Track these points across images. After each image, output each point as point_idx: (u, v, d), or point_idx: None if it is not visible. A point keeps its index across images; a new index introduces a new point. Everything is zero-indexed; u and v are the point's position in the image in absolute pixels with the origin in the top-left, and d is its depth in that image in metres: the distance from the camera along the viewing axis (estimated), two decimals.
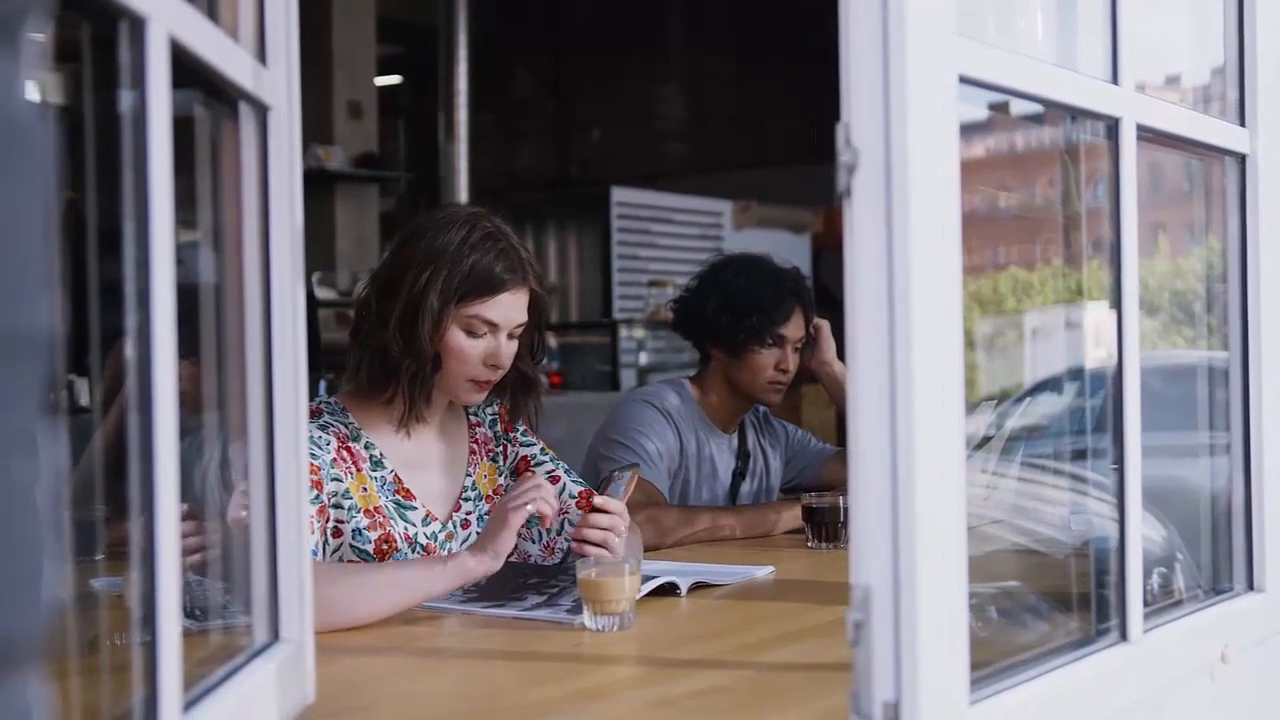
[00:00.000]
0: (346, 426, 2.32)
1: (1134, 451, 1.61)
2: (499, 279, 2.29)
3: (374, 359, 2.31)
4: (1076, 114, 1.66)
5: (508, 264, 2.30)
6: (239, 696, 1.28)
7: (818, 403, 6.82)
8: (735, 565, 2.50)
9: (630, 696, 1.69)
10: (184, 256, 1.15)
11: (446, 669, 1.84)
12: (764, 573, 2.49)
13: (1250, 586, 1.91)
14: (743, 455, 3.30)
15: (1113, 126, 1.60)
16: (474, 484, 2.47)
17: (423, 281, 2.26)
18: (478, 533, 2.41)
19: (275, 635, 1.45)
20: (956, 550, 1.28)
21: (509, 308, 2.31)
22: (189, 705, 1.15)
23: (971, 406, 1.36)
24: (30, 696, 0.64)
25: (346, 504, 2.25)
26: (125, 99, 1.06)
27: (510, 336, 2.33)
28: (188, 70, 1.16)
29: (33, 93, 0.65)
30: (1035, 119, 1.80)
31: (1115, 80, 1.60)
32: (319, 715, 1.52)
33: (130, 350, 1.06)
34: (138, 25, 1.04)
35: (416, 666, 1.86)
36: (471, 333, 2.29)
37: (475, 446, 2.50)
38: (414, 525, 2.34)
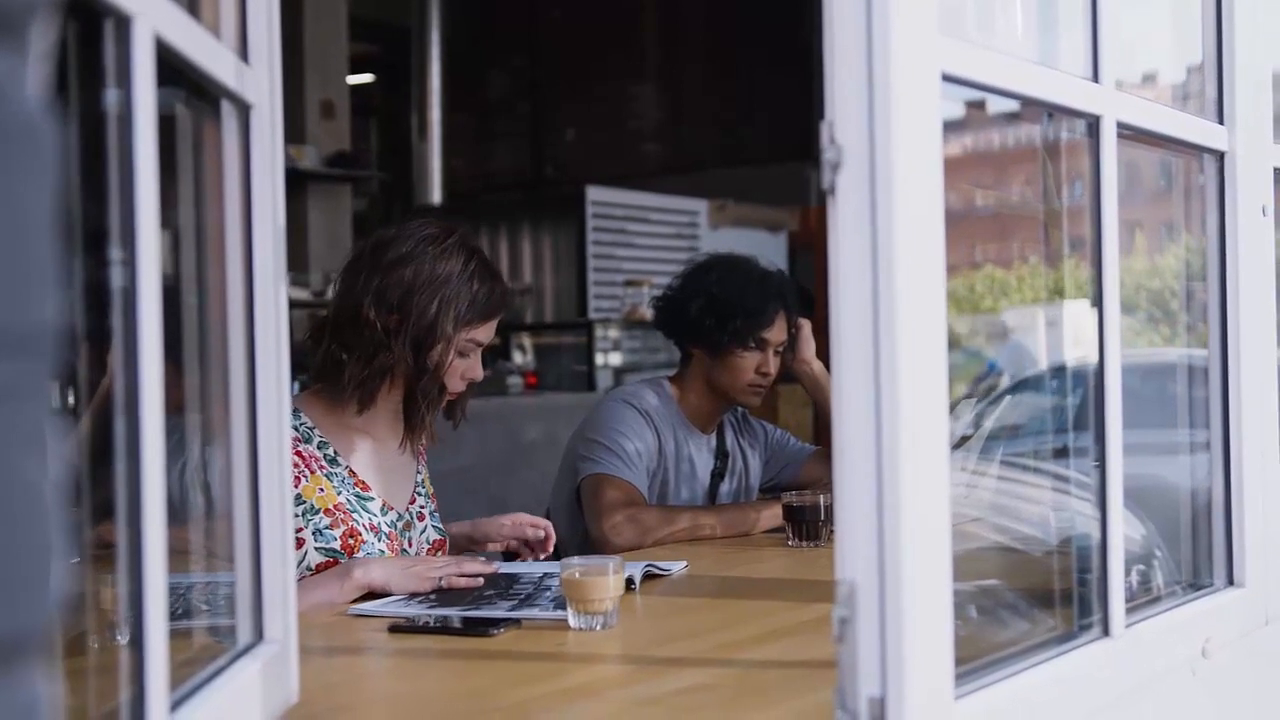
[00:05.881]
0: (298, 429, 2.36)
1: (1115, 446, 1.61)
2: (497, 306, 2.47)
3: (378, 376, 2.40)
4: (1058, 111, 1.66)
5: (502, 290, 2.48)
6: (224, 696, 1.27)
7: (793, 402, 6.84)
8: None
9: (615, 695, 1.69)
10: (163, 256, 1.14)
11: (430, 669, 1.84)
12: (678, 568, 2.50)
13: (1230, 582, 1.92)
14: (721, 455, 3.30)
15: (1093, 124, 1.61)
16: (423, 481, 2.60)
17: (433, 310, 2.37)
18: (433, 526, 2.57)
19: (259, 635, 1.44)
20: (941, 545, 1.28)
21: (494, 328, 2.50)
22: (175, 705, 1.14)
23: (950, 405, 1.36)
24: (37, 690, 0.64)
25: (300, 509, 2.28)
26: (110, 97, 1.06)
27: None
28: (170, 68, 1.16)
29: (39, 90, 0.64)
30: (1012, 116, 1.81)
31: (1096, 78, 1.61)
32: (303, 715, 1.51)
33: (113, 351, 1.06)
34: (123, 23, 1.03)
35: (400, 667, 1.85)
36: (462, 354, 2.44)
37: (421, 449, 2.62)
38: (375, 515, 2.43)
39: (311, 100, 8.02)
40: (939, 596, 1.27)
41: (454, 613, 2.07)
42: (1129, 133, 1.68)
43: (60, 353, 0.65)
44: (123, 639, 1.09)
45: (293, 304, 6.89)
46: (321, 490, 2.37)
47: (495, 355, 7.53)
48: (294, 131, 7.78)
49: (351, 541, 2.36)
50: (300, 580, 2.25)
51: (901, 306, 1.22)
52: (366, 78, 10.86)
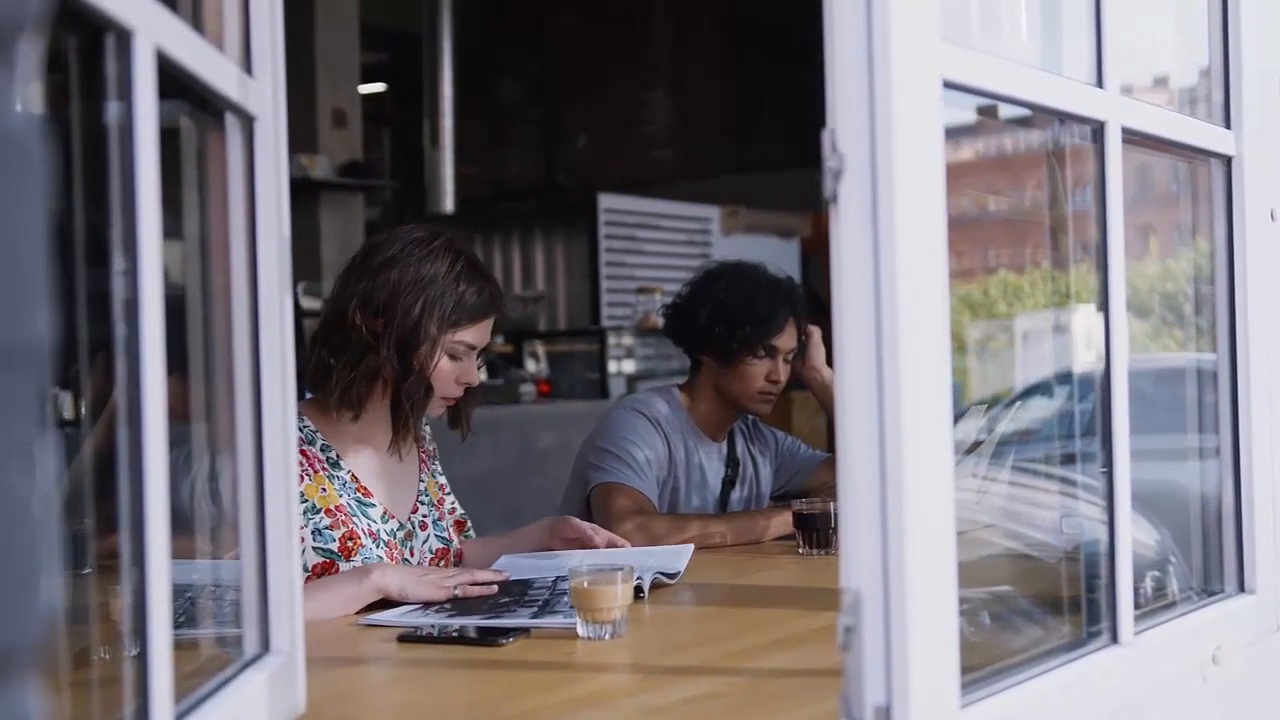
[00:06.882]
0: (302, 431, 2.37)
1: (1123, 452, 1.61)
2: (486, 308, 2.45)
3: (365, 379, 2.40)
4: (1062, 117, 1.66)
5: (492, 292, 2.46)
6: (230, 707, 1.27)
7: (807, 409, 6.82)
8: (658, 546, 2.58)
9: (623, 704, 1.69)
10: (169, 268, 1.14)
11: (438, 679, 1.84)
12: (684, 558, 2.54)
13: (1241, 588, 1.92)
14: (732, 463, 3.30)
15: (1098, 130, 1.61)
16: (425, 490, 2.60)
17: (417, 311, 2.37)
18: (435, 535, 2.56)
19: (266, 646, 1.44)
20: (946, 553, 1.28)
21: (487, 331, 2.48)
22: (180, 716, 1.14)
23: (961, 411, 1.36)
24: (29, 704, 0.64)
25: (302, 506, 2.29)
26: (111, 110, 1.06)
27: (479, 356, 2.50)
28: (173, 81, 1.16)
29: (29, 105, 0.65)
30: (1023, 122, 1.81)
31: (1100, 83, 1.60)
32: None
33: (118, 363, 1.06)
34: (124, 37, 1.04)
35: (408, 677, 1.85)
36: (453, 356, 2.44)
37: (423, 456, 2.63)
38: (375, 522, 2.43)
39: (323, 109, 8.01)
40: (944, 604, 1.27)
41: (472, 622, 2.07)
42: (1135, 138, 1.68)
43: (54, 366, 0.65)
44: (132, 650, 1.10)
45: (307, 313, 6.90)
46: (324, 490, 2.37)
47: (508, 363, 7.54)
48: (306, 141, 7.77)
49: (350, 544, 2.36)
50: (313, 580, 2.26)
51: (904, 314, 1.22)
52: (378, 86, 10.86)
